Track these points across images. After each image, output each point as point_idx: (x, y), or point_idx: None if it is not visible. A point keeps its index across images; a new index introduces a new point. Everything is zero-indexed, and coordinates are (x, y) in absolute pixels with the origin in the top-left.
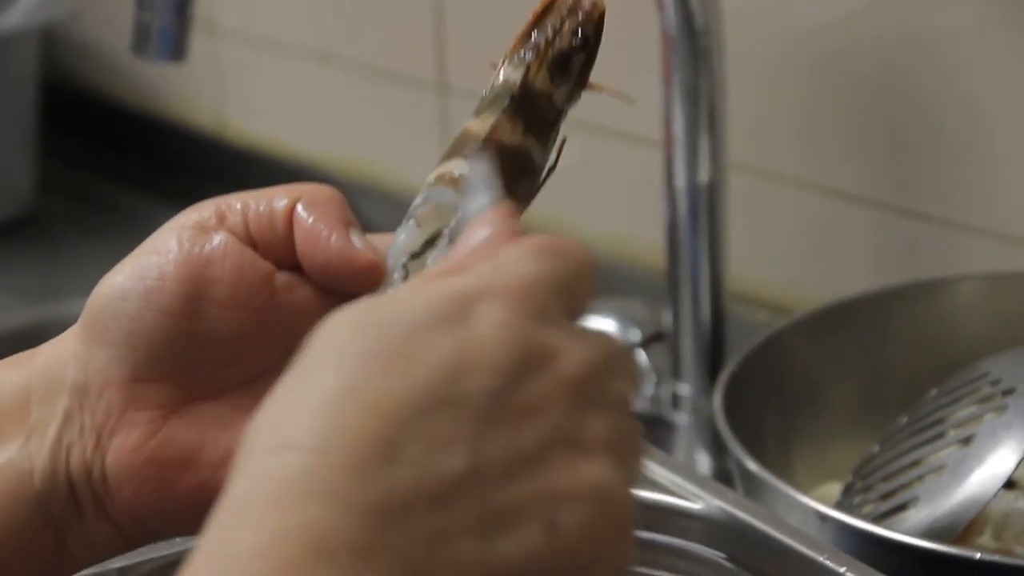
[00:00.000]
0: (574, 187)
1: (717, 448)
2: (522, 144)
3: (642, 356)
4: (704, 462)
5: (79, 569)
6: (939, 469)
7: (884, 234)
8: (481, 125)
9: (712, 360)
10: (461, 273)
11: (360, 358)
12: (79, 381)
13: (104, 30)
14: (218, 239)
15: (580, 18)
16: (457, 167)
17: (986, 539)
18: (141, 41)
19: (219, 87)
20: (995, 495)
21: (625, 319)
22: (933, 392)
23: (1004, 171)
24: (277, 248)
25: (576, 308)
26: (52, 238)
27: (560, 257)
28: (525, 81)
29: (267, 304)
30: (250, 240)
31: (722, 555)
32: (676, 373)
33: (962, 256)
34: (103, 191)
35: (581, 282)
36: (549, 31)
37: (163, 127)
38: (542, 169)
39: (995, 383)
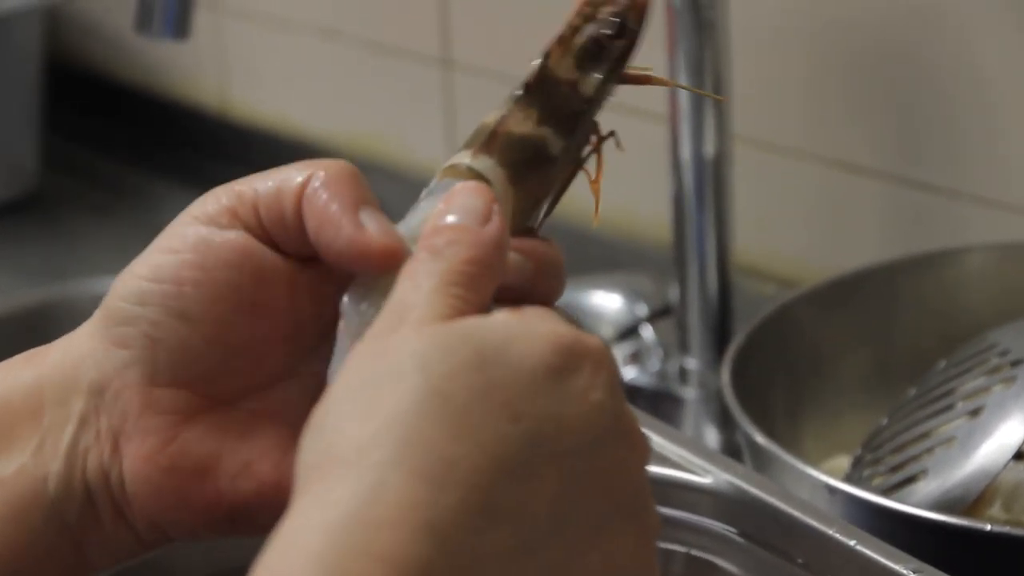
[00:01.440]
0: None
1: (725, 422)
2: (533, 133)
3: (649, 331)
4: (712, 436)
5: (97, 572)
6: (948, 441)
7: (891, 205)
8: (494, 116)
9: (719, 334)
10: (551, 320)
11: (477, 395)
12: (95, 382)
13: (107, 8)
14: (234, 238)
15: (621, 5)
16: (464, 158)
17: (996, 511)
18: (144, 18)
19: (223, 64)
20: (1005, 466)
21: (631, 293)
22: (942, 364)
23: (1011, 140)
24: (292, 241)
25: None
26: (57, 217)
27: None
28: (543, 67)
29: (288, 307)
30: (265, 235)
31: (732, 529)
32: (683, 347)
33: (969, 227)
34: (107, 169)
35: None
36: (584, 17)
37: (167, 105)
38: (561, 160)
39: (1003, 354)
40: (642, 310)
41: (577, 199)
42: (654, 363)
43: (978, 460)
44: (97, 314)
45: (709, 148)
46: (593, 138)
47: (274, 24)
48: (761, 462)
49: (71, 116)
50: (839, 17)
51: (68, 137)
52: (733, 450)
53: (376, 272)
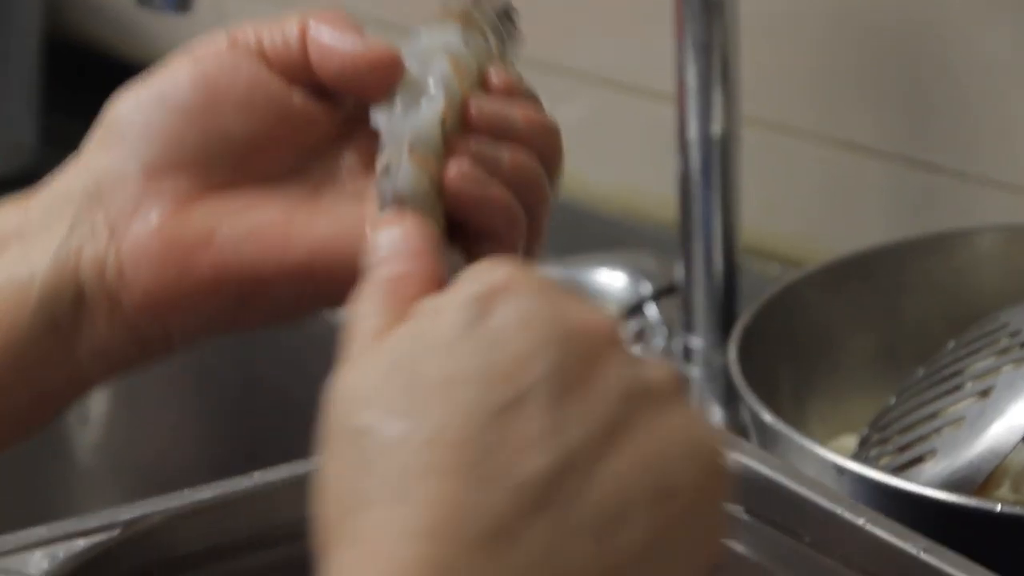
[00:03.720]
0: (585, 140)
1: (729, 402)
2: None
3: (653, 309)
4: (716, 415)
5: (93, 384)
6: (957, 421)
7: (898, 186)
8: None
9: (724, 313)
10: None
11: (404, 401)
12: (89, 186)
13: None
14: (232, 55)
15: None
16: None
17: (1005, 491)
18: None
19: None
20: (1014, 447)
21: (636, 272)
22: (951, 344)
23: (1021, 122)
24: (293, 68)
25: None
26: None
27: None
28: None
29: (282, 113)
30: (265, 59)
31: (738, 507)
32: (688, 326)
33: (977, 208)
34: None
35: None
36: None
37: None
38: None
39: (1014, 334)
40: (646, 288)
41: (581, 179)
42: (658, 342)
43: (988, 440)
44: (92, 135)
45: (716, 127)
46: None
47: None
48: (768, 441)
49: (70, 92)
50: None
51: (67, 113)
52: (737, 430)
53: (377, 86)
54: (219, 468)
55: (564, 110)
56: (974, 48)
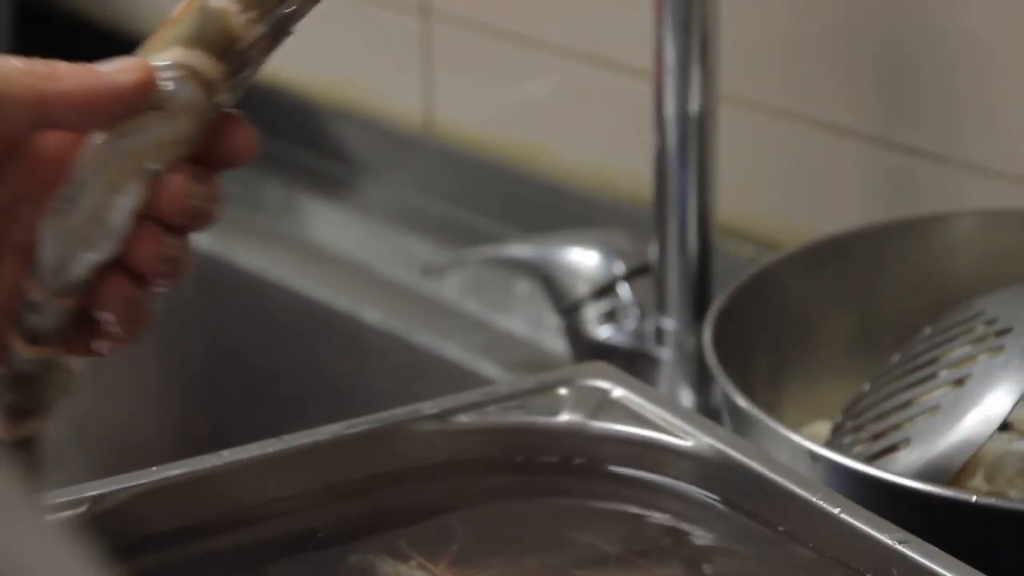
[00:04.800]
0: (559, 116)
1: (701, 384)
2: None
3: (626, 289)
4: (687, 398)
5: None
6: (932, 410)
7: (876, 168)
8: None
9: (698, 294)
10: None
11: None
12: None
13: None
14: None
15: None
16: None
17: (979, 482)
18: None
19: None
20: (989, 438)
21: (609, 251)
22: (926, 330)
23: (1003, 105)
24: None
25: None
26: None
27: None
28: None
29: None
30: None
31: (714, 496)
32: (661, 307)
33: (955, 192)
34: None
35: None
36: None
37: (138, 46)
38: None
39: (990, 322)
40: (619, 268)
41: (554, 155)
42: (630, 322)
43: (963, 430)
44: None
45: (694, 105)
46: None
47: None
48: (741, 426)
49: (42, 57)
50: None
51: None
52: (708, 414)
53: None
54: (188, 444)
55: (539, 85)
56: (955, 29)
